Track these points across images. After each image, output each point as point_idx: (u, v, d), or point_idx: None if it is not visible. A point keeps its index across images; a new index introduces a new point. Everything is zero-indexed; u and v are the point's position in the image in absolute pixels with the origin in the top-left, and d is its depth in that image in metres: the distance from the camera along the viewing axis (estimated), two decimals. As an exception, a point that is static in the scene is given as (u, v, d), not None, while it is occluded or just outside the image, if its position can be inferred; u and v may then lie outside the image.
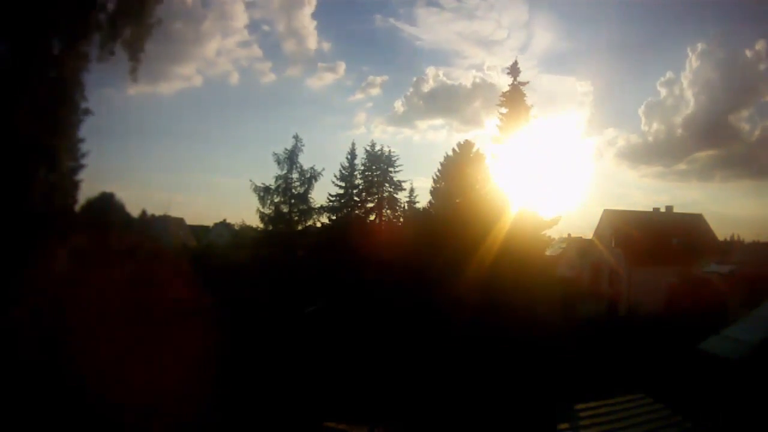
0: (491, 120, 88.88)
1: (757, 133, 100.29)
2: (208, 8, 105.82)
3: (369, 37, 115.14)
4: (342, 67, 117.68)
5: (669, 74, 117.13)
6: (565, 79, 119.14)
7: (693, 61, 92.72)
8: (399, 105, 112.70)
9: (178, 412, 12.33)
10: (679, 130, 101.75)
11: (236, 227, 47.99)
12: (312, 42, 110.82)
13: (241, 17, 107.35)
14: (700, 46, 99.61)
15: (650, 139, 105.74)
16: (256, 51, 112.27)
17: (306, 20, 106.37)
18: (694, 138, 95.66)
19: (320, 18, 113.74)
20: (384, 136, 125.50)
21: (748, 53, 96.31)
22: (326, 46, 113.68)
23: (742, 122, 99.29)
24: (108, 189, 22.38)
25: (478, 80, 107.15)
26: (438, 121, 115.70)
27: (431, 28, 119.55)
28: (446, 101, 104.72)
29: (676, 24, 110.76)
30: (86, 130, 10.27)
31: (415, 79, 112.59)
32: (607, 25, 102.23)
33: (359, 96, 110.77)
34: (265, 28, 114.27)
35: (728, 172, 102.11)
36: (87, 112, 10.10)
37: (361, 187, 37.72)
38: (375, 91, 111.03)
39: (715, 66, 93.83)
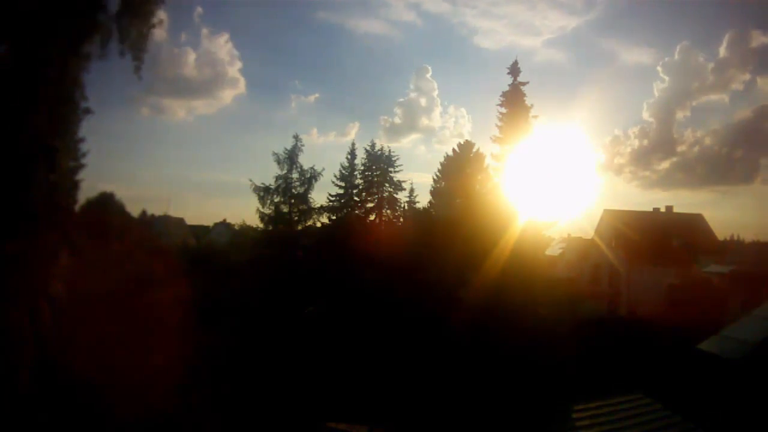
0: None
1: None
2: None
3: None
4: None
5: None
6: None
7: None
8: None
9: (176, 411, 12.34)
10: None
11: (236, 227, 47.91)
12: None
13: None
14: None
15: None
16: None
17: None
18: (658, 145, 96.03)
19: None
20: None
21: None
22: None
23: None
24: (108, 189, 22.47)
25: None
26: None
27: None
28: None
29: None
30: (86, 129, 10.28)
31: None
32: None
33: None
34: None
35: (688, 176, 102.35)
36: (87, 111, 10.09)
37: (361, 187, 37.66)
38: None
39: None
